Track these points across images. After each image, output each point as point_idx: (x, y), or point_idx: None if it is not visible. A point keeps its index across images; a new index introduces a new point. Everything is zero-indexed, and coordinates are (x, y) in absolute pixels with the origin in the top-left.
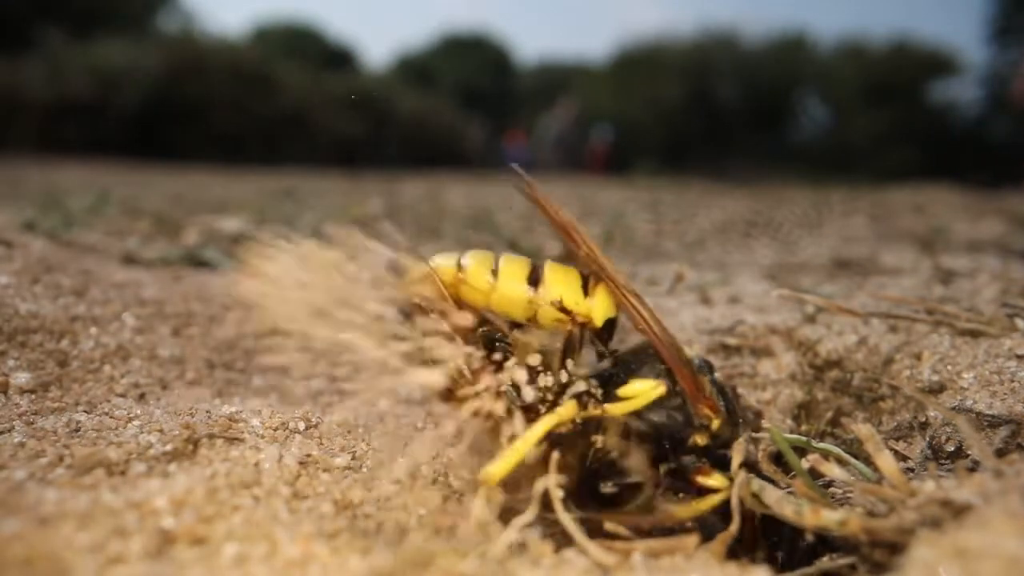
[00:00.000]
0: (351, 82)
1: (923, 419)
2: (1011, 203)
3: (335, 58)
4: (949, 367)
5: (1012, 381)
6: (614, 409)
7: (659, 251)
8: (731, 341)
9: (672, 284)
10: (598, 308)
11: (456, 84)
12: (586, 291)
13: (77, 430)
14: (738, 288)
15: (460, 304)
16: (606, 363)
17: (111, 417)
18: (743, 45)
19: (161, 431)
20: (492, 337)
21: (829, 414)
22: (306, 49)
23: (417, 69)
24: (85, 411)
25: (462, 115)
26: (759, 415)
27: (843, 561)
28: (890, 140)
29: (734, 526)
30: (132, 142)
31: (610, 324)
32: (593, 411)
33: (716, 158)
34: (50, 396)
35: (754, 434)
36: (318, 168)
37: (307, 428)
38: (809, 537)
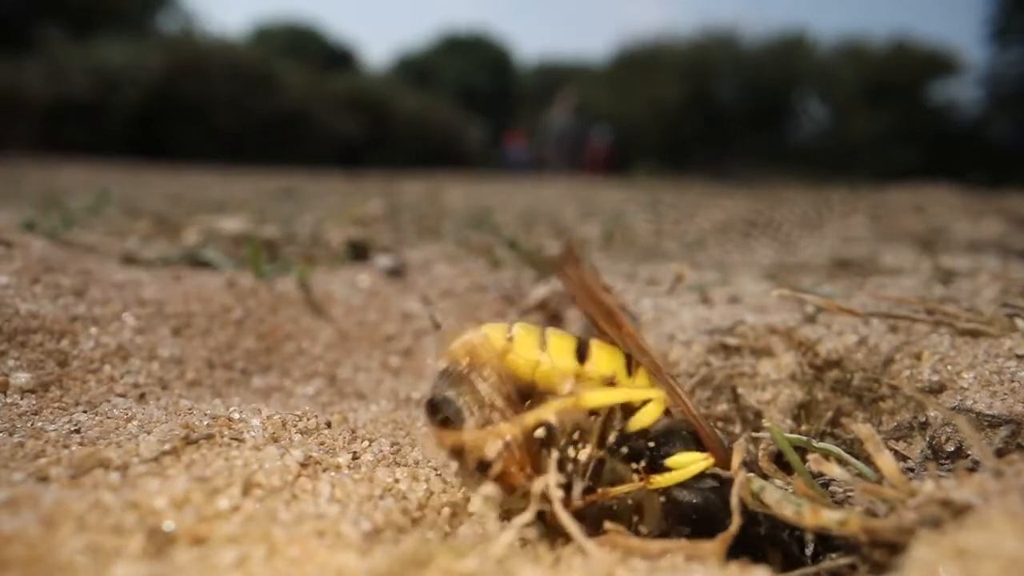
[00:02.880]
0: (351, 82)
1: (923, 419)
2: (1011, 203)
3: (335, 58)
4: (949, 367)
5: (1012, 381)
6: (660, 480)
7: (659, 251)
8: (731, 341)
9: (672, 284)
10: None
11: (456, 84)
12: (630, 371)
13: (77, 430)
14: (738, 288)
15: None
16: (640, 442)
17: (111, 417)
18: (743, 45)
19: (161, 431)
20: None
21: (829, 414)
22: (306, 49)
23: (417, 69)
24: (85, 411)
25: (462, 115)
26: (759, 415)
27: (843, 561)
28: (890, 140)
29: (734, 526)
30: (132, 142)
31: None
32: (637, 482)
33: (716, 158)
34: (50, 396)
35: (754, 434)
36: (318, 168)
37: (307, 428)
38: (809, 537)
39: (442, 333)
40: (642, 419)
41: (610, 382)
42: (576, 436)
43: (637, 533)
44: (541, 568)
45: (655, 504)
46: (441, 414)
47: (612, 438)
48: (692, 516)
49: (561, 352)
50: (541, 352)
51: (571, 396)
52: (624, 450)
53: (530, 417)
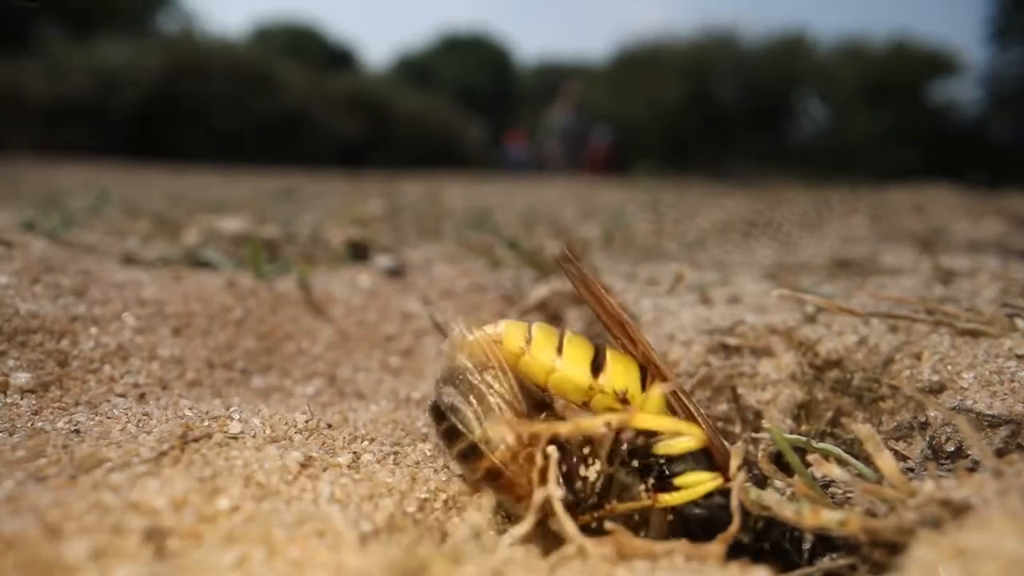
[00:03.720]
0: (351, 82)
1: (923, 419)
2: (1011, 203)
3: (335, 58)
4: (949, 367)
5: (1012, 381)
6: (668, 499)
7: (659, 251)
8: (731, 341)
9: (672, 284)
10: (652, 405)
11: (456, 84)
12: (643, 385)
13: (77, 430)
14: (738, 288)
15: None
16: (651, 458)
17: (111, 417)
18: (743, 45)
19: (161, 431)
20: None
21: (829, 414)
22: (306, 49)
23: (417, 69)
24: (85, 411)
25: (462, 115)
26: (759, 415)
27: (843, 561)
28: (890, 140)
29: (734, 526)
30: (132, 142)
31: None
32: (645, 501)
33: (716, 158)
34: (50, 396)
35: (754, 435)
36: (318, 168)
37: (307, 428)
38: (809, 537)
39: (457, 329)
40: (672, 446)
41: (623, 398)
42: (586, 451)
43: None
44: (538, 572)
45: (661, 522)
46: (447, 422)
47: (621, 455)
48: (698, 532)
49: (576, 361)
50: (557, 357)
51: (627, 414)
52: (635, 465)
53: (584, 423)
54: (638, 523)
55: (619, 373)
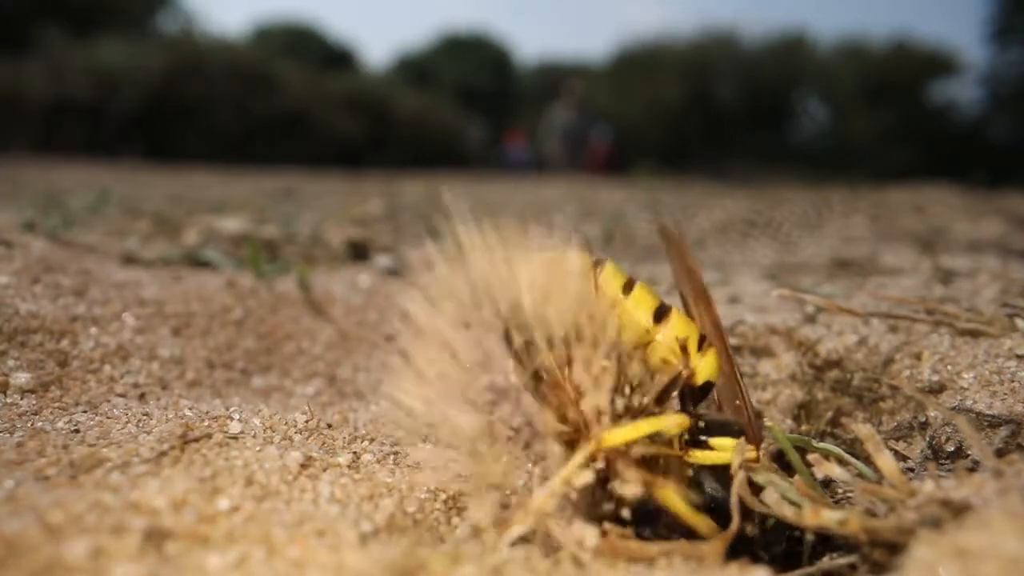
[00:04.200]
0: (351, 82)
1: (923, 419)
2: (1011, 203)
3: (335, 58)
4: (949, 367)
5: (1012, 381)
6: (699, 455)
7: (659, 251)
8: (731, 341)
9: (672, 284)
10: (706, 367)
11: (456, 84)
12: (700, 347)
13: (77, 430)
14: (738, 288)
15: None
16: (692, 422)
17: (111, 417)
18: (743, 45)
19: (160, 431)
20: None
21: (829, 414)
22: (306, 49)
23: (417, 69)
24: (85, 411)
25: (462, 115)
26: (759, 415)
27: (843, 561)
28: (890, 140)
29: (734, 525)
30: (132, 142)
31: (707, 387)
32: (675, 451)
33: (716, 158)
34: (50, 396)
35: None
36: (318, 168)
37: (307, 428)
38: (809, 537)
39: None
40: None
41: (683, 346)
42: (635, 384)
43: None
44: (539, 572)
45: (682, 475)
46: (520, 339)
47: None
48: (711, 505)
49: (640, 304)
50: (623, 296)
51: (593, 440)
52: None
53: (557, 482)
54: (661, 468)
55: (681, 326)
